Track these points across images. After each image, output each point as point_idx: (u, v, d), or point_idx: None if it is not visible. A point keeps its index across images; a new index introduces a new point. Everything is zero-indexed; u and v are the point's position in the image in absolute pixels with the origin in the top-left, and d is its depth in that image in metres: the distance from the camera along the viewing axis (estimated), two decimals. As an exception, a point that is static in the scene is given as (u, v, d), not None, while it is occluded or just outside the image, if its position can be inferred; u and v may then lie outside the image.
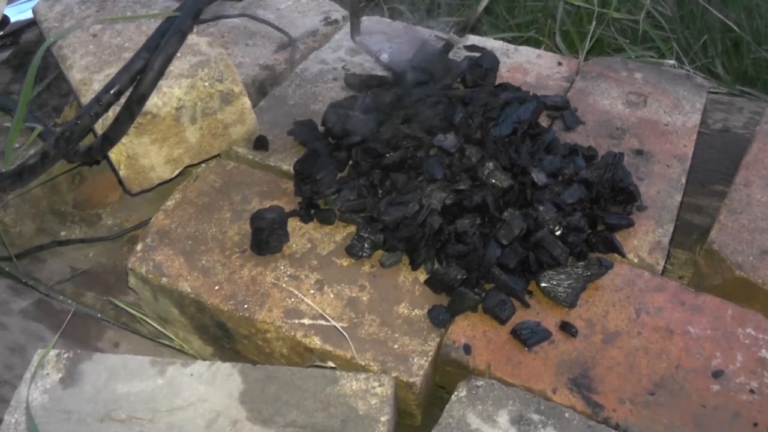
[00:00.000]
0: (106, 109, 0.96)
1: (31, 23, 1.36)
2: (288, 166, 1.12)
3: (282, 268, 0.98)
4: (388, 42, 1.28)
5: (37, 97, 1.24)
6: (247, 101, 1.12)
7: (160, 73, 0.95)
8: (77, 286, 1.13)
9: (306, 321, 0.92)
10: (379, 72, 1.31)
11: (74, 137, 0.96)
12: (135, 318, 1.07)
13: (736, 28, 1.57)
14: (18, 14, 1.32)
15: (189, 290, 0.97)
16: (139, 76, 0.95)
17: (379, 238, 0.99)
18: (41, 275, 1.15)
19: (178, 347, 1.05)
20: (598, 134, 1.19)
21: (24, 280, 1.12)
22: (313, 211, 1.05)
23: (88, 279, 1.15)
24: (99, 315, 1.08)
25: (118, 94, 0.96)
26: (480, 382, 0.84)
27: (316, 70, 1.34)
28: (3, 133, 1.20)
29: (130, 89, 0.96)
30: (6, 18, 1.29)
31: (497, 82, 1.26)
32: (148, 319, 1.06)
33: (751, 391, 0.84)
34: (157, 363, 0.88)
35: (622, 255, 0.99)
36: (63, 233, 1.21)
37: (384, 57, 1.16)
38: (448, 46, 1.19)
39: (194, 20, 0.96)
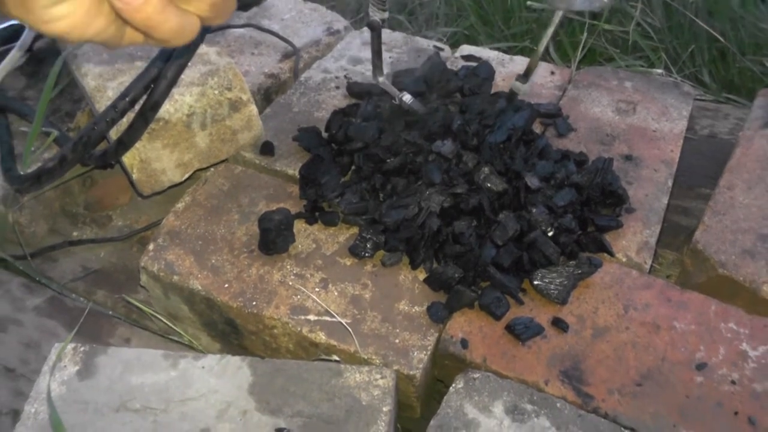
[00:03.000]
0: (122, 115, 1.00)
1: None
2: (293, 171, 1.16)
3: (288, 267, 1.02)
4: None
5: (50, 103, 1.28)
6: (254, 108, 1.16)
7: (174, 82, 0.99)
8: (89, 284, 1.17)
9: (311, 317, 0.96)
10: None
11: (92, 142, 1.00)
12: (145, 315, 1.11)
13: (721, 38, 1.60)
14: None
15: (199, 288, 1.01)
16: (153, 85, 0.99)
17: (381, 239, 1.03)
18: (54, 274, 1.18)
19: (187, 343, 1.08)
20: (589, 140, 1.23)
21: (37, 279, 1.15)
22: (317, 214, 1.09)
23: (99, 278, 1.18)
24: (110, 312, 1.11)
25: (133, 102, 1.00)
26: (476, 375, 0.88)
27: (319, 78, 1.37)
28: (17, 137, 1.24)
29: (145, 96, 1.00)
30: (21, 27, 1.33)
31: (493, 91, 1.30)
32: (158, 316, 1.10)
33: (733, 382, 0.88)
34: (170, 356, 0.92)
35: (611, 254, 1.03)
36: (75, 234, 1.24)
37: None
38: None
39: (206, 32, 1.00)
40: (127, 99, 0.99)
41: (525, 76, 1.14)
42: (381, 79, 1.19)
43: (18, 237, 1.18)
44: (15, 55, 0.95)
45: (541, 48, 1.06)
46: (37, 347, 1.04)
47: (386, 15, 1.06)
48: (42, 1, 0.43)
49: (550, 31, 1.02)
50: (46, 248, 1.20)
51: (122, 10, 0.44)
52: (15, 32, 1.31)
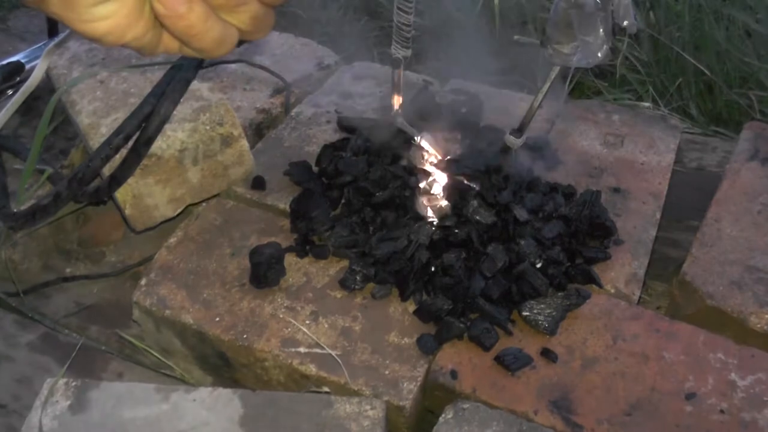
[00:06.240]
0: (116, 151, 1.02)
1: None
2: (284, 205, 1.17)
3: (279, 300, 1.03)
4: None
5: (44, 141, 1.29)
6: (245, 143, 1.17)
7: (167, 118, 1.00)
8: (82, 320, 1.16)
9: (302, 349, 0.96)
10: (370, 115, 1.36)
11: (86, 178, 1.02)
12: (138, 350, 1.10)
13: (708, 72, 1.62)
14: (32, 61, 1.38)
15: (191, 322, 1.01)
16: (147, 120, 1.01)
17: (371, 272, 1.04)
18: (47, 310, 1.17)
19: (179, 377, 1.08)
20: (578, 173, 1.24)
21: (30, 315, 1.15)
22: (308, 247, 1.10)
23: (93, 313, 1.18)
24: (103, 347, 1.11)
25: (127, 138, 1.01)
26: (466, 405, 0.88)
27: (310, 113, 1.39)
28: (11, 174, 1.25)
29: (138, 133, 1.02)
30: (21, 64, 1.35)
31: (482, 125, 1.31)
32: (151, 350, 1.10)
33: (722, 411, 0.89)
34: (162, 389, 0.92)
35: (600, 286, 1.04)
36: (68, 270, 1.25)
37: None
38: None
39: (198, 68, 1.02)
40: (121, 135, 1.01)
41: (519, 131, 1.11)
42: (399, 120, 1.16)
43: (11, 274, 1.19)
44: (19, 99, 0.96)
45: (536, 104, 1.05)
46: (29, 383, 1.04)
47: (409, 53, 1.04)
48: (86, 0, 0.42)
49: (546, 87, 1.02)
50: (40, 285, 1.20)
51: (165, 17, 0.43)
52: (15, 69, 1.33)
